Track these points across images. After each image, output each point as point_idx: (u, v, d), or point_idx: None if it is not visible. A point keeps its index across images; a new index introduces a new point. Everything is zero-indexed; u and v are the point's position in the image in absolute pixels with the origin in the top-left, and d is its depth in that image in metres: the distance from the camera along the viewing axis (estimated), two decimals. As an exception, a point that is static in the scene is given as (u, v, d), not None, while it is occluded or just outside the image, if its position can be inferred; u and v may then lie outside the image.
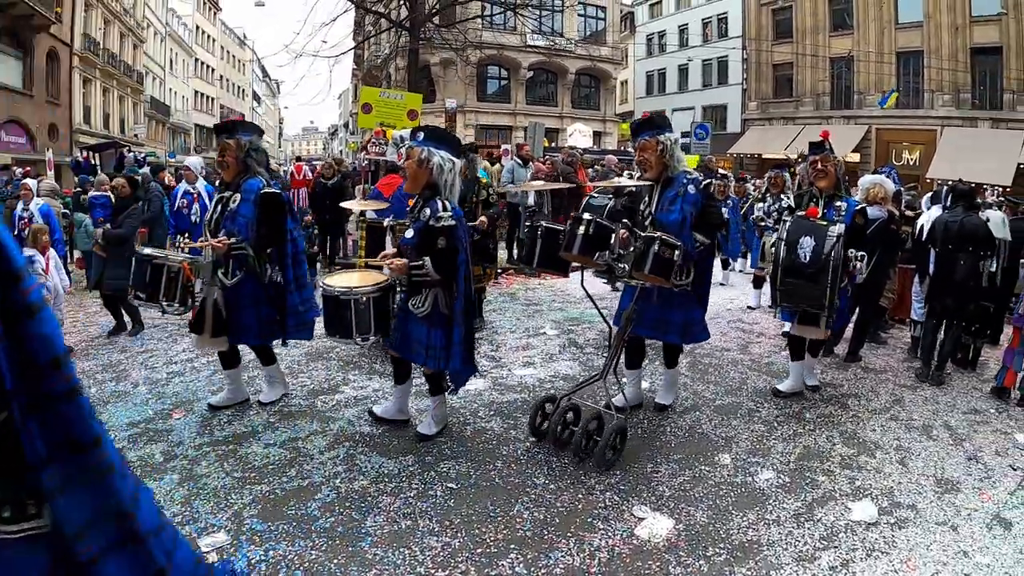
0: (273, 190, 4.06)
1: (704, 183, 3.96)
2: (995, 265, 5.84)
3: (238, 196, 3.99)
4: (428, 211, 3.48)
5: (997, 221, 6.06)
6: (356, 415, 4.26)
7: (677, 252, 3.47)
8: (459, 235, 3.50)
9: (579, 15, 30.94)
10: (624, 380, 4.38)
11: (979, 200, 6.98)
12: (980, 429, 4.54)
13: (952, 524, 3.19)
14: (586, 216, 3.70)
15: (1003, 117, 22.71)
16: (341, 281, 3.85)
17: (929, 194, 7.06)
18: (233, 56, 56.55)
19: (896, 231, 6.05)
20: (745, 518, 3.15)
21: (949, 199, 5.86)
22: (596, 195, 4.57)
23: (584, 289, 4.14)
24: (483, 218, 5.78)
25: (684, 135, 21.38)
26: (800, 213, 4.55)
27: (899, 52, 25.53)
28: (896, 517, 3.21)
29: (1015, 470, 3.94)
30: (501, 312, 7.30)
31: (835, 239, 4.11)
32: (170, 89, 42.37)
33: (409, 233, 3.61)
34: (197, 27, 48.47)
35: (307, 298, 4.36)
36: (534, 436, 3.88)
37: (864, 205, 4.48)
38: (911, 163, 25.62)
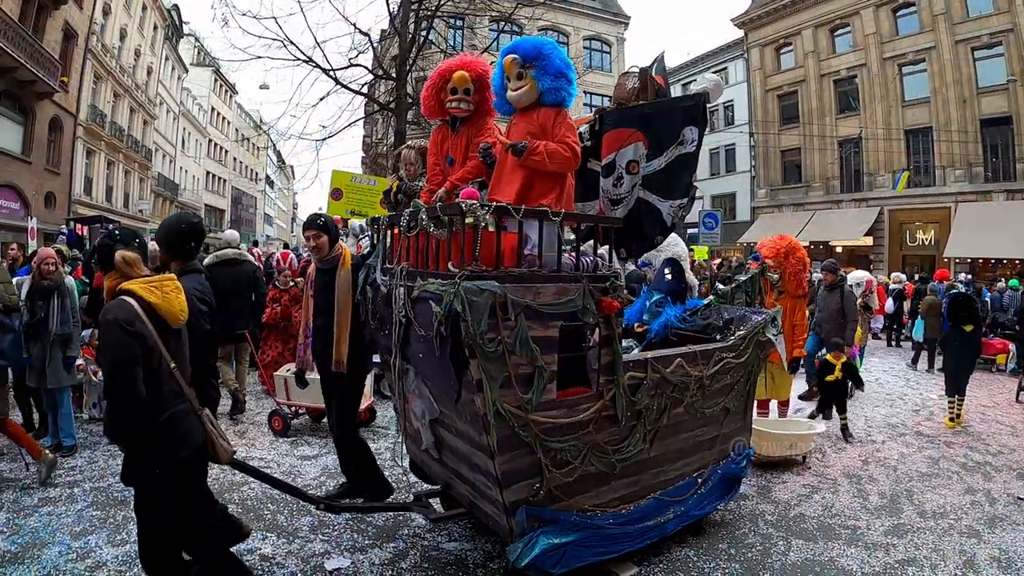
0: None
1: None
2: None
3: None
4: None
5: None
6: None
7: None
8: None
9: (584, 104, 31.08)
10: None
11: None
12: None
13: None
14: None
15: (1017, 188, 21.95)
16: None
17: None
18: (247, 139, 57.59)
19: None
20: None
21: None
22: None
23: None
24: None
25: (692, 225, 19.79)
26: None
27: (907, 130, 25.02)
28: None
29: None
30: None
31: None
32: (180, 167, 42.59)
33: None
34: (212, 108, 49.27)
35: None
36: None
37: None
38: (926, 243, 24.75)
